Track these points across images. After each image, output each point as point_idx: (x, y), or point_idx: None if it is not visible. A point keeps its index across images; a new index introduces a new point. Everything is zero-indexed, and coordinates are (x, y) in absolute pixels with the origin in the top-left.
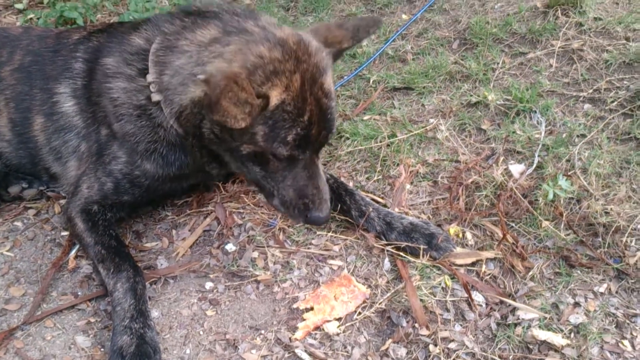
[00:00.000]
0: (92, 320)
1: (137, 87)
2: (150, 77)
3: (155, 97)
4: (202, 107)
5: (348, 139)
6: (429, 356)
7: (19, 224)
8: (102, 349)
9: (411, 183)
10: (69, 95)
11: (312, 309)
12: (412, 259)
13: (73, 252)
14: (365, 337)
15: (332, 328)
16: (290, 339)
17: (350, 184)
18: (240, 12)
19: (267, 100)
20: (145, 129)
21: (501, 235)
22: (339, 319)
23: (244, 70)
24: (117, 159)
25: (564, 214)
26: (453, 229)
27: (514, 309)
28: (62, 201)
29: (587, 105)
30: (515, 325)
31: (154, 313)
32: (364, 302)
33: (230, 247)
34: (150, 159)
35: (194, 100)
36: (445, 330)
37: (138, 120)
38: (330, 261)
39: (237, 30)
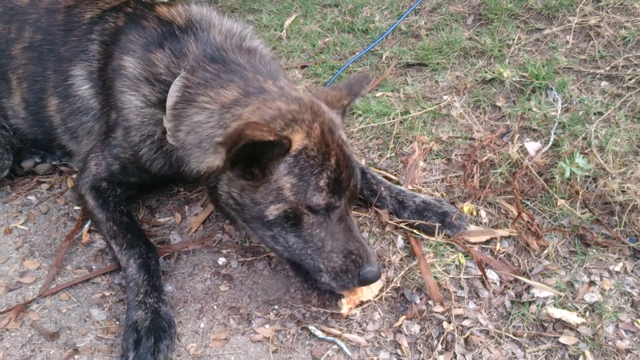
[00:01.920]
0: (107, 293)
1: (154, 117)
2: (167, 124)
3: (172, 142)
4: (219, 172)
5: (360, 115)
6: (443, 333)
7: (32, 198)
8: (117, 322)
9: (424, 160)
10: (85, 78)
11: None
12: (425, 237)
13: (87, 226)
14: (379, 314)
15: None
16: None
17: (363, 162)
18: (263, 70)
19: (289, 142)
20: (159, 160)
21: (516, 213)
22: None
23: (262, 120)
24: (125, 150)
25: (580, 193)
26: (467, 206)
27: (529, 287)
28: (75, 176)
29: (604, 83)
30: (530, 303)
31: (168, 287)
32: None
33: None
34: (159, 168)
35: (211, 170)
36: (459, 307)
37: (152, 152)
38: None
39: (256, 91)
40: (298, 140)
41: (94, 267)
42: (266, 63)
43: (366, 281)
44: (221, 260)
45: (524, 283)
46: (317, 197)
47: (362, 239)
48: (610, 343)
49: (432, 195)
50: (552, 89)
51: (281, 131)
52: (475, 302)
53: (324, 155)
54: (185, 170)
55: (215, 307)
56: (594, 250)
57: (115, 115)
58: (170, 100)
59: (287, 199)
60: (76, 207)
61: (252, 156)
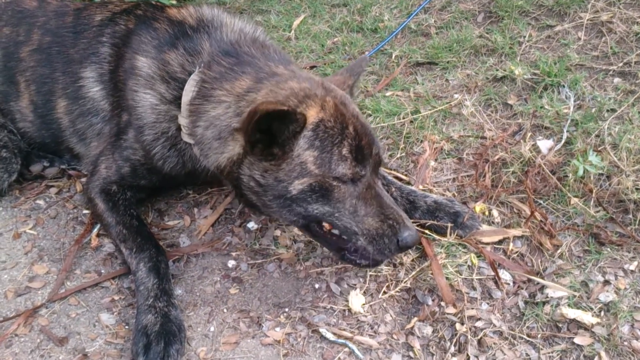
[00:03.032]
0: (116, 298)
1: (169, 114)
2: (183, 121)
3: (187, 139)
4: (241, 160)
5: (370, 115)
6: (455, 334)
7: (41, 202)
8: (126, 326)
9: (435, 160)
10: (96, 80)
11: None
12: (437, 237)
13: (95, 230)
14: (391, 316)
15: (356, 306)
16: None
17: None
18: (275, 57)
19: (304, 117)
20: (173, 158)
21: (529, 213)
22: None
23: (277, 101)
24: (136, 151)
25: (594, 191)
26: (479, 206)
27: (542, 287)
28: (84, 179)
29: (617, 79)
30: (544, 303)
31: (178, 291)
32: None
33: (252, 225)
34: (172, 167)
35: (232, 160)
36: (472, 308)
37: (166, 150)
38: None
39: (267, 75)
40: (313, 114)
41: (103, 271)
42: (278, 52)
43: (406, 246)
44: (231, 263)
45: (538, 283)
46: (342, 167)
47: (394, 205)
48: (625, 343)
49: (443, 195)
50: (564, 86)
51: (295, 107)
52: (488, 303)
53: (342, 125)
54: (202, 167)
55: (225, 310)
56: (609, 249)
57: (127, 117)
58: (186, 97)
59: (312, 172)
60: (85, 211)
61: (269, 135)
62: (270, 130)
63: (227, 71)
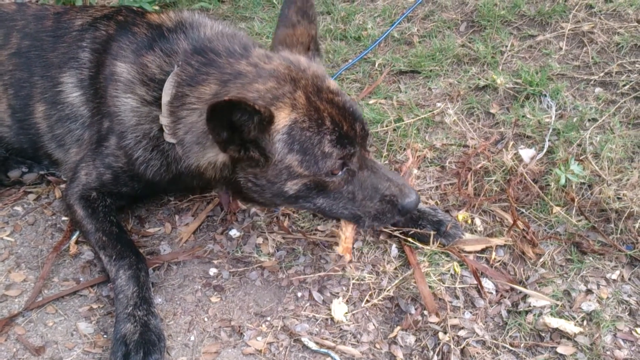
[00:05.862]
0: (95, 306)
1: (151, 115)
2: (164, 121)
3: (170, 139)
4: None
5: None
6: (438, 344)
7: (19, 208)
8: (104, 336)
9: (418, 168)
10: (75, 86)
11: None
12: (420, 245)
13: (74, 237)
14: (373, 325)
15: (339, 314)
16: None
17: None
18: (237, 50)
19: (268, 111)
20: (156, 161)
21: (511, 221)
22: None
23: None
24: (118, 158)
25: (576, 200)
26: (462, 215)
27: (525, 296)
28: (63, 186)
29: (598, 89)
30: (527, 312)
31: (158, 299)
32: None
33: (234, 232)
34: (155, 172)
35: (215, 166)
36: (455, 317)
37: (148, 152)
38: (336, 248)
39: (232, 77)
40: (284, 116)
41: (81, 279)
42: (239, 41)
43: (407, 211)
44: (212, 271)
45: (520, 292)
46: (329, 162)
47: (389, 174)
48: (608, 353)
49: (426, 203)
50: (545, 96)
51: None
52: (471, 312)
53: (317, 122)
54: (186, 168)
55: (205, 319)
56: (591, 258)
57: (108, 123)
58: (165, 97)
59: (301, 174)
60: (64, 218)
61: (236, 131)
62: (234, 125)
63: (195, 73)
